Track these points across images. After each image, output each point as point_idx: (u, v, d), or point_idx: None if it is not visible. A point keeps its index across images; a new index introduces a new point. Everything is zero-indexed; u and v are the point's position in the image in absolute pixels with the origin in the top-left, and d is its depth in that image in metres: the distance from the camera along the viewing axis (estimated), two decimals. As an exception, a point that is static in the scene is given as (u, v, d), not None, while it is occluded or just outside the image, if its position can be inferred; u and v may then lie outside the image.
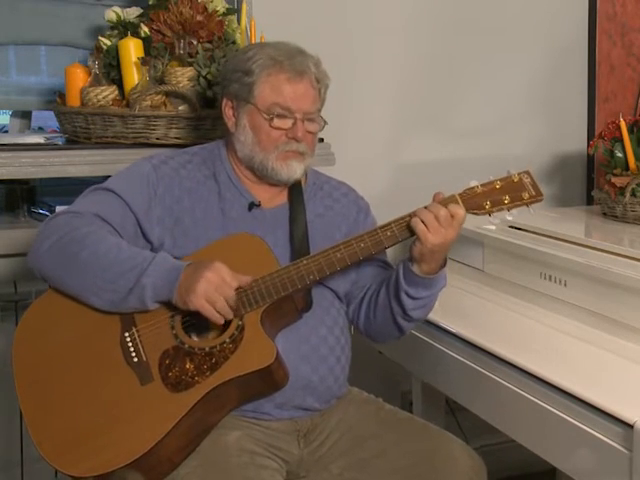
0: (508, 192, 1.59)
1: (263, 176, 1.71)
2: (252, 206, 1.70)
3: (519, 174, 1.61)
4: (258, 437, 1.60)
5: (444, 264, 1.64)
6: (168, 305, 1.55)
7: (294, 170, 1.69)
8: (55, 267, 1.57)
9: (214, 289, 1.50)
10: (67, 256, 1.55)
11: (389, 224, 1.59)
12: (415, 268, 1.61)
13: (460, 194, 1.60)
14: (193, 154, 1.76)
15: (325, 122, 1.74)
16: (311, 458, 1.66)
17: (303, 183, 1.78)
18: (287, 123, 1.67)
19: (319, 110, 1.73)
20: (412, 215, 1.58)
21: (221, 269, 1.52)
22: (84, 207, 1.63)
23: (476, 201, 1.59)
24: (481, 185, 1.60)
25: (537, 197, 1.60)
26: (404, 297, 1.64)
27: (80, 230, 1.57)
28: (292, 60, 1.68)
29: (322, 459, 1.66)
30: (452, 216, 1.56)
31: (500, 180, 1.60)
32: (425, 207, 1.58)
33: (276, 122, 1.67)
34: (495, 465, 1.78)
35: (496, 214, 1.61)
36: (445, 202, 1.58)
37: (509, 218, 1.63)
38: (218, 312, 1.51)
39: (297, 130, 1.67)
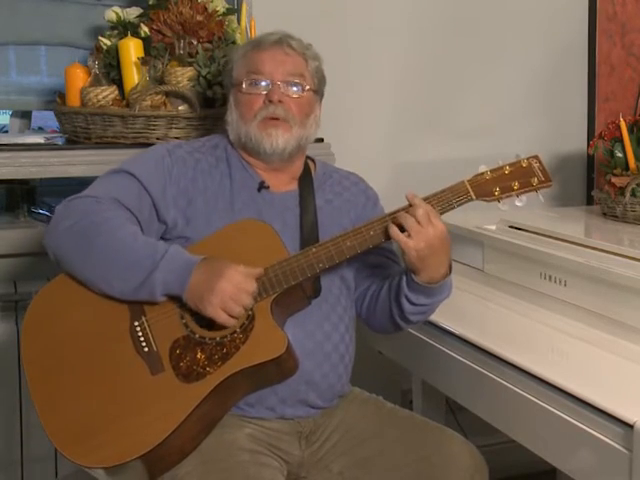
0: (517, 178, 1.58)
1: (254, 153, 1.71)
2: (261, 187, 1.71)
3: (528, 159, 1.60)
4: (259, 437, 1.60)
5: (448, 273, 1.61)
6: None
7: (275, 139, 1.68)
8: (69, 250, 1.56)
9: (230, 299, 1.49)
10: (82, 240, 1.55)
11: (398, 211, 1.57)
12: (415, 277, 1.59)
13: (469, 180, 1.59)
14: (206, 140, 1.79)
15: (314, 90, 1.73)
16: (312, 459, 1.66)
17: (313, 173, 1.80)
18: (261, 88, 1.69)
19: (303, 77, 1.71)
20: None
21: (235, 276, 1.49)
22: (103, 191, 1.63)
23: (485, 188, 1.58)
24: (490, 171, 1.59)
25: (546, 182, 1.59)
26: (404, 301, 1.64)
27: (98, 216, 1.57)
28: (267, 37, 1.73)
29: (323, 459, 1.66)
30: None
31: (509, 165, 1.60)
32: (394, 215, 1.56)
33: (247, 87, 1.69)
34: (495, 465, 1.77)
35: (505, 200, 1.60)
36: (414, 202, 1.54)
37: (519, 204, 1.61)
38: (234, 318, 1.51)
39: (272, 92, 1.67)
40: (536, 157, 1.60)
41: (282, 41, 1.71)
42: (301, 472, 1.66)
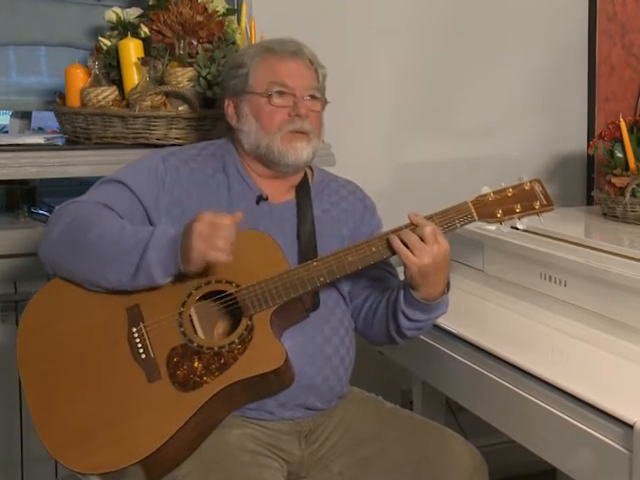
0: (520, 200, 1.58)
1: (271, 164, 1.70)
2: (260, 199, 1.70)
3: (531, 182, 1.60)
4: (259, 437, 1.60)
5: (445, 291, 1.61)
6: (175, 300, 1.55)
7: (300, 152, 1.68)
8: (63, 253, 1.56)
9: (208, 235, 1.47)
10: (74, 240, 1.55)
11: (400, 228, 1.57)
12: (414, 292, 1.59)
13: (472, 201, 1.59)
14: (202, 148, 1.77)
15: (326, 101, 1.74)
16: (312, 458, 1.66)
17: (310, 181, 1.79)
18: (287, 100, 1.68)
19: (320, 92, 1.73)
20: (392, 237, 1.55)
21: (205, 215, 1.48)
22: (92, 197, 1.63)
23: (488, 209, 1.58)
24: (493, 192, 1.59)
25: (548, 206, 1.59)
26: (401, 316, 1.63)
27: (87, 215, 1.57)
28: (283, 45, 1.71)
29: (323, 459, 1.66)
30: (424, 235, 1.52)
31: (512, 188, 1.59)
32: (399, 231, 1.56)
33: (276, 99, 1.68)
34: (495, 465, 1.78)
35: (507, 222, 1.61)
36: (419, 222, 1.54)
37: (520, 227, 1.62)
38: (223, 251, 1.48)
39: (299, 106, 1.67)
40: (538, 180, 1.61)
41: (302, 53, 1.71)
42: (301, 472, 1.66)
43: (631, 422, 1.37)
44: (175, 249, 1.50)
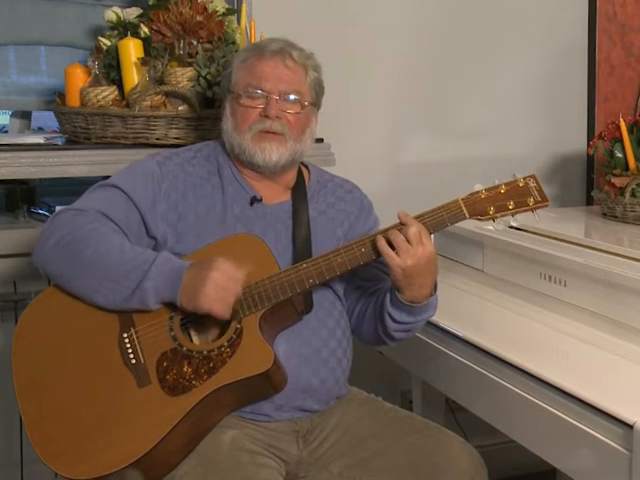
0: (513, 197, 1.57)
1: (247, 164, 1.69)
2: (254, 201, 1.69)
3: (524, 178, 1.59)
4: (257, 437, 1.60)
5: (431, 294, 1.60)
6: (167, 305, 1.55)
7: (269, 153, 1.66)
8: (58, 266, 1.56)
9: (222, 288, 1.48)
10: (70, 255, 1.55)
11: (390, 228, 1.57)
12: (399, 294, 1.58)
13: (463, 199, 1.58)
14: (197, 150, 1.76)
15: (313, 102, 1.72)
16: (310, 458, 1.66)
17: (307, 182, 1.78)
18: (259, 102, 1.67)
19: (301, 94, 1.69)
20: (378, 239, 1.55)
21: (224, 265, 1.50)
22: (88, 204, 1.62)
23: (479, 206, 1.57)
24: (485, 190, 1.58)
25: (542, 202, 1.58)
26: (387, 318, 1.63)
27: (83, 228, 1.56)
28: (267, 45, 1.70)
29: (321, 459, 1.66)
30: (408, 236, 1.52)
31: (505, 184, 1.59)
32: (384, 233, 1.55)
33: (245, 100, 1.67)
34: (495, 465, 1.78)
35: (500, 219, 1.60)
36: (407, 222, 1.54)
37: (514, 224, 1.61)
38: (230, 308, 1.50)
39: (270, 108, 1.65)
40: (533, 176, 1.59)
41: (283, 51, 1.68)
42: (300, 472, 1.66)
43: (631, 422, 1.37)
44: (176, 282, 1.50)
